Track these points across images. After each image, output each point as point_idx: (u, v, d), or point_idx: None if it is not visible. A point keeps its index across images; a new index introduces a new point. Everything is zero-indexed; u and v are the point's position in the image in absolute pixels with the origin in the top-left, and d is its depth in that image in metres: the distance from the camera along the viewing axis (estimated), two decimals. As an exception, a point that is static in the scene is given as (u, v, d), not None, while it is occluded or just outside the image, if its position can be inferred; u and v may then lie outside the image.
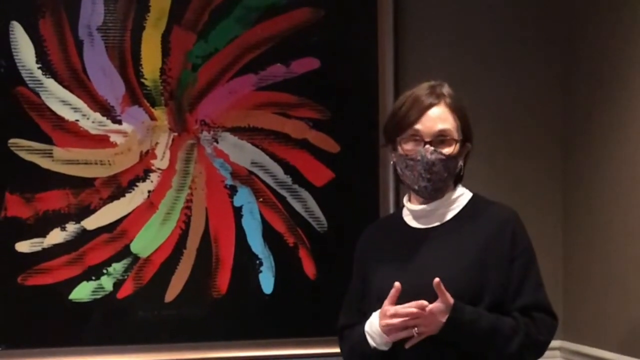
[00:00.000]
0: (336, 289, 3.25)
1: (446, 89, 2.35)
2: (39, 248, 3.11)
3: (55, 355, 3.11)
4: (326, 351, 3.22)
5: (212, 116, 3.20)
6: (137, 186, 3.17)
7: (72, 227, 3.13)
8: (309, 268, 3.26)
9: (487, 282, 2.21)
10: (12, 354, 3.09)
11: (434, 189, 2.30)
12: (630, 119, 3.00)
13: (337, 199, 3.27)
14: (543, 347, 2.25)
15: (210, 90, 3.19)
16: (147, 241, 3.17)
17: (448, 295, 2.15)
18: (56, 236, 3.12)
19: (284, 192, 3.24)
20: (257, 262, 3.24)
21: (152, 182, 3.17)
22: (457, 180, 2.38)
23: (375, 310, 2.29)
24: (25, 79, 3.09)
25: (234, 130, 3.21)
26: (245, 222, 3.22)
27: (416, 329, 2.18)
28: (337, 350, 3.29)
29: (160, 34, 3.15)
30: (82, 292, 3.14)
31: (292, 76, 3.23)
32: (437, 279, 2.13)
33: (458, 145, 2.29)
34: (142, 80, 3.15)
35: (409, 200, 2.41)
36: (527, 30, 3.42)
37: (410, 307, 2.16)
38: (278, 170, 3.23)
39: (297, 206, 3.25)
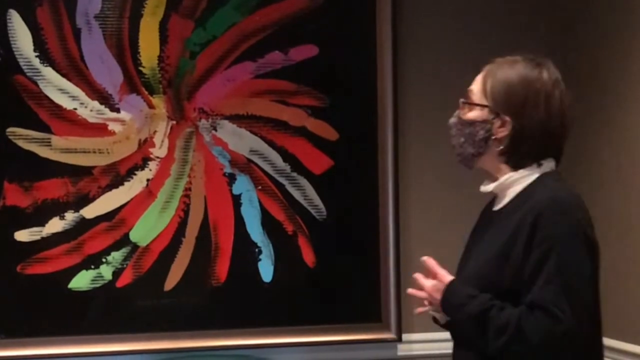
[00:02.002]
0: (335, 277, 3.28)
1: (505, 62, 2.20)
2: (38, 237, 3.11)
3: (54, 344, 3.11)
4: (326, 339, 3.23)
5: (210, 104, 3.19)
6: (135, 174, 3.16)
7: (71, 216, 3.13)
8: (308, 256, 3.26)
9: (506, 273, 2.07)
10: (12, 342, 3.09)
11: (458, 154, 2.22)
12: (631, 115, 3.00)
13: (336, 187, 3.27)
14: (538, 348, 2.00)
15: (208, 78, 3.18)
16: (146, 230, 3.17)
17: (442, 274, 2.15)
18: (55, 225, 3.12)
19: (282, 180, 3.24)
20: (256, 250, 3.23)
21: (150, 170, 3.17)
22: (516, 161, 2.17)
23: None
24: (23, 67, 3.08)
25: (233, 118, 3.20)
26: (244, 210, 3.22)
27: (426, 302, 2.22)
28: (336, 338, 3.31)
29: (158, 21, 3.14)
30: (82, 281, 3.14)
31: (291, 63, 3.22)
32: (424, 257, 2.17)
33: (478, 110, 2.17)
34: (140, 68, 3.14)
35: None
36: (526, 17, 3.42)
37: (419, 281, 2.21)
38: (277, 158, 3.23)
39: (296, 194, 3.25)
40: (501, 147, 2.15)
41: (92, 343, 3.13)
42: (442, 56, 3.36)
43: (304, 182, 3.25)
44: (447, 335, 3.28)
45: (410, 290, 2.28)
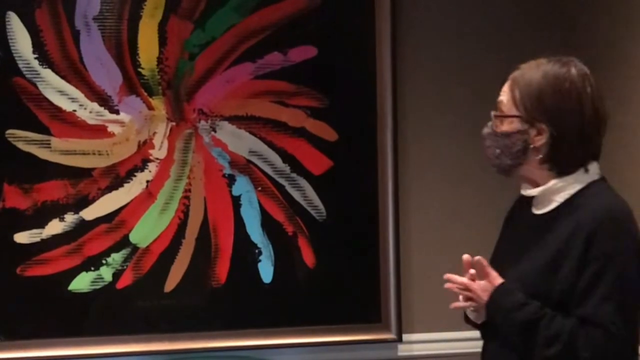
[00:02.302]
0: (335, 278, 3.28)
1: (531, 65, 2.15)
2: (38, 239, 3.11)
3: (55, 345, 3.11)
4: (326, 339, 3.24)
5: (209, 105, 3.19)
6: (135, 176, 3.16)
7: (70, 218, 3.13)
8: (308, 257, 3.26)
9: (555, 285, 2.05)
10: (12, 345, 3.09)
11: (494, 165, 2.18)
12: (630, 108, 2.99)
13: (336, 187, 3.27)
14: None
15: (207, 79, 3.18)
16: (146, 231, 3.17)
17: (493, 275, 2.10)
18: (55, 227, 3.12)
19: (282, 181, 3.24)
20: (256, 251, 3.23)
21: (150, 172, 3.17)
22: (561, 168, 2.14)
23: None
24: (22, 69, 3.08)
25: (232, 119, 3.20)
26: (244, 211, 3.22)
27: (465, 300, 2.18)
28: (337, 338, 3.31)
29: (157, 23, 3.14)
30: (82, 283, 3.14)
31: (290, 64, 3.21)
32: (477, 257, 2.10)
33: (512, 121, 2.13)
34: (140, 69, 3.14)
35: None
36: (526, 16, 3.42)
37: (458, 280, 2.16)
38: (276, 159, 3.23)
39: (296, 195, 3.25)
40: (540, 156, 2.11)
41: (93, 344, 3.13)
42: (441, 56, 3.36)
43: (303, 182, 3.25)
44: (447, 335, 3.32)
45: (449, 285, 2.20)
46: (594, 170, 2.14)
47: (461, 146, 3.37)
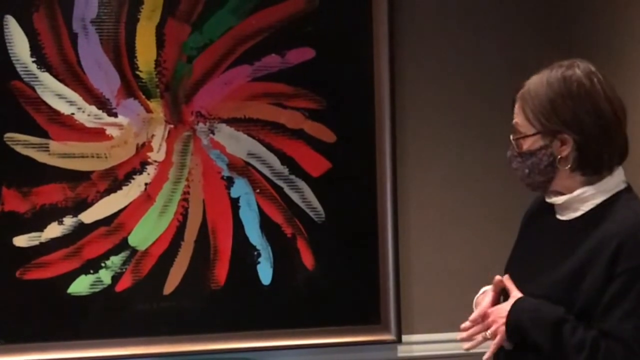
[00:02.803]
0: (334, 279, 3.28)
1: (533, 79, 2.11)
2: (37, 242, 3.11)
3: (54, 349, 3.12)
4: (325, 341, 3.24)
5: (207, 107, 3.19)
6: (133, 179, 3.16)
7: (69, 221, 3.13)
8: (307, 258, 3.26)
9: (579, 296, 2.01)
10: (11, 348, 3.10)
11: (528, 185, 2.16)
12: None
13: (334, 189, 3.27)
14: None
15: (205, 81, 3.18)
16: (145, 234, 3.17)
17: (516, 292, 2.08)
18: (54, 230, 3.12)
19: (280, 183, 3.24)
20: (255, 253, 3.23)
21: (148, 174, 3.17)
22: (592, 172, 2.10)
23: None
24: (20, 73, 3.08)
25: (230, 122, 3.20)
26: (243, 214, 3.22)
27: (487, 333, 2.12)
28: (336, 340, 3.31)
29: (154, 25, 3.14)
30: (81, 286, 3.14)
31: (288, 66, 3.22)
32: (497, 277, 2.07)
33: (531, 139, 2.10)
34: (137, 72, 3.14)
35: None
36: (526, 14, 3.42)
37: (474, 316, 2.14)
38: (275, 161, 3.23)
39: (295, 197, 3.25)
40: (569, 165, 2.08)
41: (92, 348, 3.13)
42: (439, 57, 3.36)
43: (302, 184, 3.25)
44: (446, 336, 3.32)
45: (463, 335, 2.19)
46: (619, 178, 2.11)
47: (460, 147, 3.38)
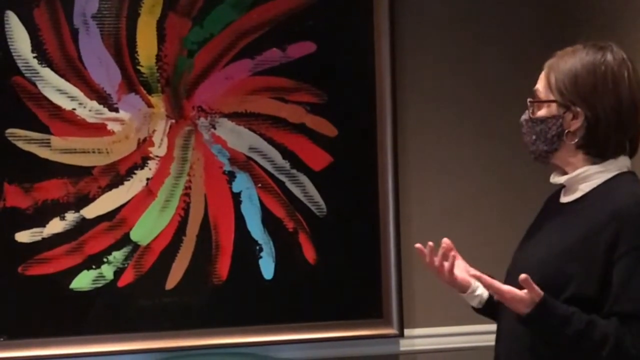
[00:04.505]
0: (336, 273, 3.28)
1: (566, 51, 2.14)
2: (39, 238, 3.11)
3: (56, 344, 3.11)
4: (327, 335, 3.23)
5: (209, 102, 3.19)
6: (135, 174, 3.16)
7: (71, 216, 3.13)
8: (309, 253, 3.26)
9: (573, 274, 2.01)
10: (14, 344, 3.09)
11: (531, 152, 2.17)
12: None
13: (336, 183, 3.27)
14: None
15: (206, 76, 3.18)
16: (147, 229, 3.17)
17: (538, 291, 1.98)
18: (56, 226, 3.12)
19: (282, 177, 3.24)
20: (257, 247, 3.23)
21: (150, 169, 3.17)
22: (596, 153, 2.12)
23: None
24: (22, 68, 3.08)
25: (231, 116, 3.20)
26: (245, 208, 3.22)
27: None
28: (338, 334, 3.31)
29: (155, 20, 3.14)
30: (83, 281, 3.14)
31: (289, 60, 3.21)
32: (523, 276, 1.97)
33: (547, 107, 2.12)
34: (138, 67, 3.14)
35: None
36: (527, 11, 3.41)
37: (494, 286, 2.04)
38: (276, 155, 3.23)
39: (296, 191, 3.25)
40: (576, 140, 2.10)
41: (94, 343, 3.13)
42: (440, 51, 3.36)
43: (303, 178, 3.25)
44: (448, 330, 3.33)
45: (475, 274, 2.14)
46: (623, 163, 2.12)
47: (461, 141, 3.38)
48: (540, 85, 2.16)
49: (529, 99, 2.17)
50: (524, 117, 2.18)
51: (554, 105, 2.11)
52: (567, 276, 2.02)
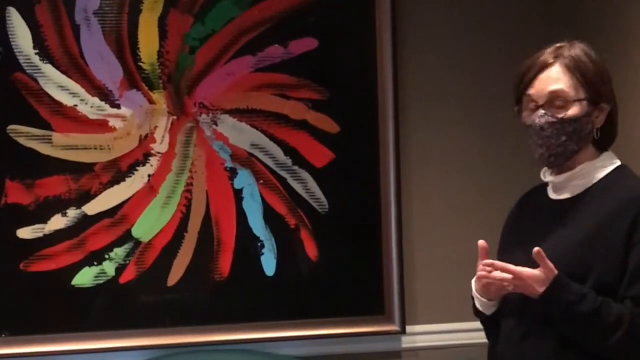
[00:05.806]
0: (338, 270, 3.28)
1: (572, 50, 2.14)
2: (41, 234, 3.11)
3: (58, 341, 3.11)
4: (329, 332, 3.24)
5: (210, 99, 3.19)
6: (137, 170, 3.16)
7: (73, 213, 3.13)
8: (311, 249, 3.25)
9: (594, 264, 2.03)
10: (15, 340, 3.09)
11: (551, 155, 2.12)
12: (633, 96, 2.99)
13: (338, 180, 3.26)
14: None
15: (208, 72, 3.18)
16: (149, 226, 3.17)
17: (551, 267, 2.00)
18: (57, 222, 3.12)
19: (284, 174, 3.24)
20: (259, 244, 3.23)
21: (152, 166, 3.17)
22: (603, 148, 2.16)
23: None
24: (23, 65, 3.08)
25: (233, 113, 3.20)
26: (246, 205, 3.22)
27: (511, 288, 2.08)
28: (340, 331, 3.31)
29: (157, 17, 3.14)
30: (85, 278, 3.14)
31: (291, 57, 3.21)
32: (536, 249, 1.99)
33: (579, 105, 2.09)
34: (140, 64, 3.14)
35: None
36: (527, 8, 3.41)
37: (510, 268, 2.05)
38: (278, 152, 3.23)
39: (298, 187, 3.24)
40: (592, 136, 2.12)
41: (96, 340, 3.13)
42: (443, 47, 3.36)
43: (305, 175, 3.25)
44: (450, 327, 3.33)
45: (492, 274, 2.11)
46: (613, 155, 2.17)
47: (463, 137, 3.37)
48: (565, 85, 2.11)
49: (550, 102, 2.11)
50: (547, 119, 2.11)
51: (585, 103, 2.10)
52: (588, 267, 2.04)
